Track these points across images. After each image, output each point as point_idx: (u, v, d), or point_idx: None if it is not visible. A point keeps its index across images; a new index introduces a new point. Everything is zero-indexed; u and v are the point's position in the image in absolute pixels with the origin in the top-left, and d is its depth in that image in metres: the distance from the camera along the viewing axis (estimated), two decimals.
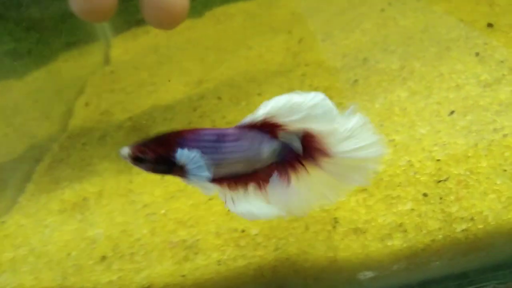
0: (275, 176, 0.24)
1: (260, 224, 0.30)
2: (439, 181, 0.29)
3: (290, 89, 0.45)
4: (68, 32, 0.65)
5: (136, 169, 0.41)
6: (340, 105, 0.40)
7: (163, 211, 0.34)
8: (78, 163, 0.43)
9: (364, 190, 0.30)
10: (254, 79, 0.49)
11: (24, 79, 0.61)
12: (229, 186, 0.25)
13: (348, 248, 0.28)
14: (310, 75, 0.45)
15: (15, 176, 0.44)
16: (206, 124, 0.45)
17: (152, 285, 0.29)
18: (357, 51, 0.46)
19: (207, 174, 0.24)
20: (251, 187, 0.25)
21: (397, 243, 0.28)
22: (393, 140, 0.33)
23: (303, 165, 0.24)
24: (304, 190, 0.24)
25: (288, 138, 0.24)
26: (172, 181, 0.38)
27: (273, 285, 0.30)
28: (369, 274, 0.29)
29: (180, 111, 0.49)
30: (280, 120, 0.23)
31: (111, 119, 0.51)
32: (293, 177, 0.24)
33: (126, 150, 0.24)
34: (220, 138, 0.24)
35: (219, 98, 0.48)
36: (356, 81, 0.41)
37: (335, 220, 0.29)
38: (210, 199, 0.34)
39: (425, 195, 0.29)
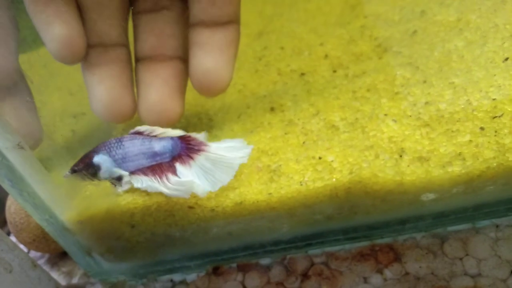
0: (177, 165, 0.34)
1: (336, 152, 0.35)
2: (495, 117, 0.33)
3: (351, 40, 0.49)
4: None
5: (213, 111, 0.46)
6: (399, 54, 0.44)
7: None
8: None
9: (427, 125, 0.35)
10: (314, 30, 0.53)
11: None
12: (144, 175, 0.34)
13: (413, 173, 0.33)
14: (370, 26, 0.49)
15: None
16: (271, 72, 0.49)
17: (245, 201, 0.35)
18: (414, 4, 0.49)
19: (116, 167, 0.34)
20: (161, 174, 0.34)
21: (456, 169, 0.33)
22: (453, 82, 0.37)
23: (190, 156, 0.34)
24: (200, 174, 0.33)
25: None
26: (248, 120, 0.43)
27: (346, 204, 0.35)
28: (431, 196, 0.34)
29: (245, 61, 0.53)
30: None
31: None
32: (188, 164, 0.34)
33: (67, 171, 0.35)
34: (119, 140, 0.34)
35: (282, 48, 0.52)
36: (415, 32, 0.45)
37: (402, 150, 0.34)
38: (286, 133, 0.39)
39: (481, 128, 0.33)
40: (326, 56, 0.47)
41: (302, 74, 0.46)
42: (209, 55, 0.34)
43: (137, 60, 0.36)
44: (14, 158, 0.34)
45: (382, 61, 0.43)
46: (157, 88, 0.34)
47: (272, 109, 0.43)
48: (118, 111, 0.34)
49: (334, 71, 0.45)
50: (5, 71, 0.35)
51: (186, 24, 0.35)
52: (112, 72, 0.34)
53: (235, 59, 0.35)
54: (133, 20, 0.35)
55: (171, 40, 0.35)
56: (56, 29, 0.32)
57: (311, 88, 0.44)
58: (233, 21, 0.34)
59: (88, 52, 0.34)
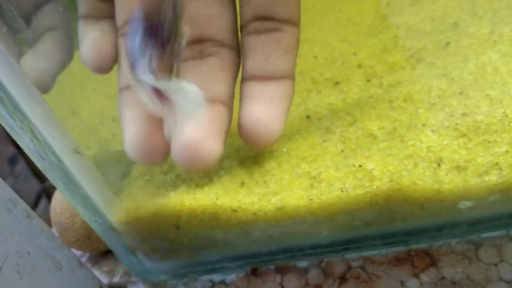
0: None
1: (375, 161, 0.36)
2: None
3: (384, 50, 0.50)
4: None
5: None
6: (433, 65, 0.45)
7: (285, 149, 0.40)
8: None
9: (464, 135, 0.36)
10: (346, 39, 0.54)
11: None
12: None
13: (451, 182, 0.34)
14: (402, 37, 0.50)
15: None
16: (305, 80, 0.51)
17: (286, 206, 0.36)
18: (445, 16, 0.51)
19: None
20: None
21: (493, 178, 0.34)
22: (489, 94, 0.38)
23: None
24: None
25: None
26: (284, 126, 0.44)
27: (385, 211, 0.36)
28: (468, 203, 0.35)
29: None
30: None
31: None
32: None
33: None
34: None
35: (315, 57, 0.54)
36: (448, 43, 0.46)
37: (440, 159, 0.35)
38: (324, 141, 0.40)
39: None
40: (359, 65, 0.49)
41: (336, 83, 0.48)
42: (260, 106, 0.33)
43: None
44: (70, 162, 0.36)
45: (416, 72, 0.44)
46: (192, 128, 0.32)
47: (308, 116, 0.44)
48: (148, 152, 0.33)
49: (368, 81, 0.46)
50: (48, 76, 0.36)
51: (232, 71, 0.35)
52: (144, 113, 0.33)
53: (287, 114, 0.34)
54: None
55: (214, 84, 0.34)
56: (92, 34, 0.33)
57: (346, 97, 0.45)
58: (287, 77, 0.34)
59: (122, 93, 0.34)
